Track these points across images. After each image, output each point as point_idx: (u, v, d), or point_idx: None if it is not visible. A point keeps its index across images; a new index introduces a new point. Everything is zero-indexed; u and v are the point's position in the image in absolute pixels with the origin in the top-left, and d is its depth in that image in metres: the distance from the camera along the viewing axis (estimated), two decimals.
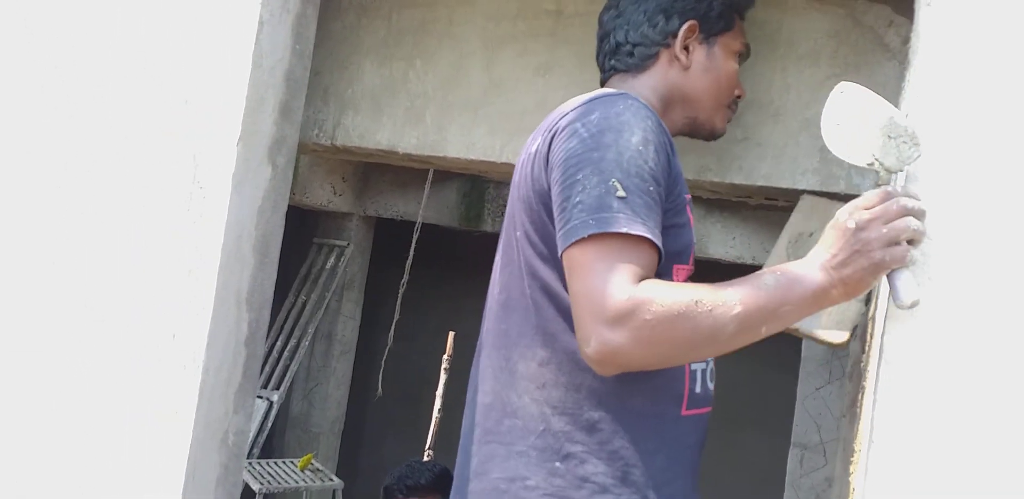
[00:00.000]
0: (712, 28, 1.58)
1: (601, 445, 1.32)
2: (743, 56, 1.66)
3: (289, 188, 1.84)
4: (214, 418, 1.71)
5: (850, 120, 1.25)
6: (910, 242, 1.20)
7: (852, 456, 1.31)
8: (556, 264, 1.33)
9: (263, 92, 1.72)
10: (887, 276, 1.21)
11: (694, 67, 1.57)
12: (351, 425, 5.20)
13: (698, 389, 1.41)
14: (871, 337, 1.28)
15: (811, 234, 1.65)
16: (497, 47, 1.94)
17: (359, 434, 5.55)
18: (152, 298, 1.68)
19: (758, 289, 1.20)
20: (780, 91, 1.78)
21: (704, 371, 1.43)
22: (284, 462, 4.40)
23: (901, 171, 1.26)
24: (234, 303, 1.72)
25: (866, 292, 1.28)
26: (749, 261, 3.72)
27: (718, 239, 3.75)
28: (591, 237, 1.23)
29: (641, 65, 1.58)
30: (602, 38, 1.63)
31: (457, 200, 4.59)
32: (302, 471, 4.29)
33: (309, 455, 4.44)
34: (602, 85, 1.62)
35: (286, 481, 4.15)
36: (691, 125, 1.61)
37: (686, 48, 1.57)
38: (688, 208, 1.39)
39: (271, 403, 4.50)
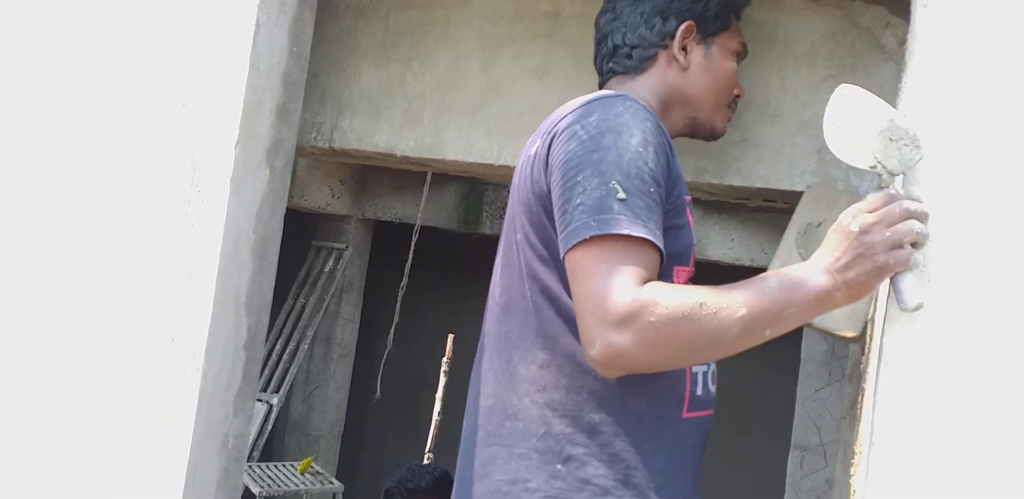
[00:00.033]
0: (709, 28, 1.58)
1: (602, 447, 1.32)
2: (741, 55, 1.66)
3: (287, 191, 1.84)
4: (214, 421, 1.71)
5: (851, 122, 1.25)
6: (914, 245, 1.21)
7: (852, 458, 1.31)
8: (556, 267, 1.33)
9: (260, 95, 1.72)
10: (891, 279, 1.21)
11: (693, 67, 1.57)
12: (351, 428, 5.20)
13: (699, 392, 1.40)
14: (871, 339, 1.28)
15: (819, 224, 1.64)
16: (494, 49, 1.93)
17: (359, 437, 5.54)
18: (151, 300, 1.67)
19: (762, 292, 1.20)
20: (777, 92, 1.78)
21: (705, 374, 1.42)
22: (284, 465, 4.40)
23: (903, 174, 1.26)
24: (233, 307, 1.72)
25: (870, 294, 1.28)
26: (748, 263, 3.72)
27: (716, 241, 3.75)
28: (593, 239, 1.23)
29: (639, 67, 1.58)
30: (599, 41, 1.63)
31: (455, 202, 4.59)
32: (302, 474, 4.29)
33: (309, 458, 4.44)
34: (600, 88, 1.62)
35: (286, 484, 4.15)
36: (691, 125, 1.61)
37: (684, 49, 1.57)
38: (688, 209, 1.39)
39: (271, 406, 4.49)
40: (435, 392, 4.14)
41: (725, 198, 2.02)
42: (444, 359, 4.13)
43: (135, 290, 1.68)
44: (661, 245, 1.25)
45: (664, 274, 1.31)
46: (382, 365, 4.07)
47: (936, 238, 1.26)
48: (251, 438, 4.23)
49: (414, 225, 4.10)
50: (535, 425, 1.34)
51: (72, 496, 1.67)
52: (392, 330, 4.04)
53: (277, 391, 4.55)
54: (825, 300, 1.21)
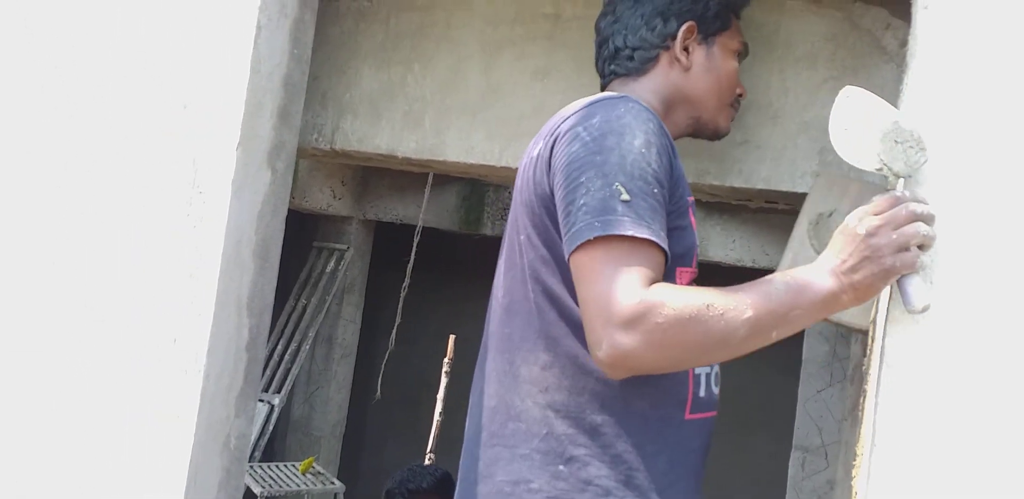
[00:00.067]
0: (710, 28, 1.58)
1: (604, 448, 1.32)
2: (742, 55, 1.66)
3: (289, 192, 1.84)
4: (216, 422, 1.71)
5: (856, 125, 1.25)
6: (920, 247, 1.21)
7: (854, 459, 1.31)
8: (559, 268, 1.33)
9: (262, 97, 1.72)
10: (897, 281, 1.21)
11: (695, 68, 1.57)
12: (352, 428, 5.20)
13: (702, 393, 1.40)
14: (872, 341, 1.29)
15: (831, 214, 1.62)
16: (495, 51, 1.93)
17: (360, 437, 5.55)
18: (152, 301, 1.68)
19: (768, 294, 1.21)
20: (778, 93, 1.79)
21: (709, 375, 1.42)
22: (286, 465, 4.41)
23: (910, 176, 1.26)
24: (235, 308, 1.72)
25: (876, 297, 1.28)
26: (749, 264, 3.73)
27: (718, 242, 3.75)
28: (597, 240, 1.23)
29: (641, 68, 1.57)
30: (600, 44, 1.63)
31: (457, 204, 4.60)
32: (303, 474, 4.29)
33: (310, 458, 4.44)
34: (602, 90, 1.62)
35: (288, 484, 4.15)
36: (695, 125, 1.61)
37: (686, 49, 1.57)
38: (691, 210, 1.39)
39: (272, 407, 4.50)
40: (436, 393, 4.15)
41: (727, 199, 2.02)
42: (445, 360, 4.14)
43: (136, 291, 1.68)
44: (665, 246, 1.25)
45: (667, 275, 1.31)
46: (383, 366, 4.08)
47: (937, 240, 1.26)
48: (252, 438, 4.23)
49: (415, 226, 4.11)
50: (537, 426, 1.34)
51: (73, 497, 1.67)
52: (394, 331, 4.04)
53: (279, 391, 4.55)
54: (831, 302, 1.22)
